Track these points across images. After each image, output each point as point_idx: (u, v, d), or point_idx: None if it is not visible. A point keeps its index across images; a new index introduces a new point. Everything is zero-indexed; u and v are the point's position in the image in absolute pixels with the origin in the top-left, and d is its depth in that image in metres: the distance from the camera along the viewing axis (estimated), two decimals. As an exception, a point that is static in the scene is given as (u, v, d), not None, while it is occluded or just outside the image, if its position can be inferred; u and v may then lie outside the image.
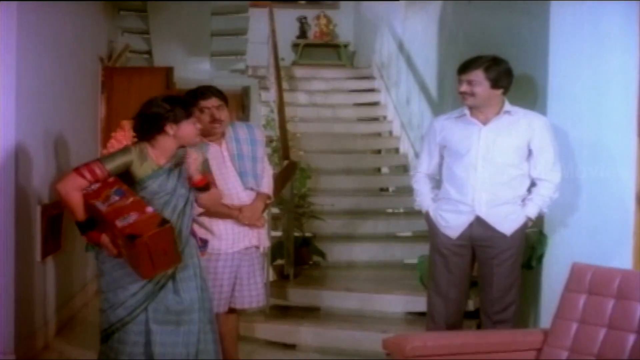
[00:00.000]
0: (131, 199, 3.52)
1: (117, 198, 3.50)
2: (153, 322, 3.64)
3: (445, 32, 6.73)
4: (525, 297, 4.57)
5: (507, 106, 4.15)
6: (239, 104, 10.42)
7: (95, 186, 3.56)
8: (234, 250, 4.20)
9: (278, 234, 6.16)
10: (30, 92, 4.78)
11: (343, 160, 8.49)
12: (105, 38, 7.51)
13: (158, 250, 3.45)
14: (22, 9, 4.55)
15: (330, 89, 10.11)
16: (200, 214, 4.10)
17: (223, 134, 4.22)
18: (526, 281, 4.53)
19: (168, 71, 7.43)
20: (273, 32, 9.34)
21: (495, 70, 4.10)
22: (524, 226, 4.17)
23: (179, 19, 8.55)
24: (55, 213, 5.11)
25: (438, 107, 6.98)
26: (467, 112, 4.19)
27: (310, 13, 11.96)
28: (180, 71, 7.79)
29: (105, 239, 3.57)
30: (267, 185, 4.34)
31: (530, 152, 4.13)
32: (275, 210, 6.14)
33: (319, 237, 6.62)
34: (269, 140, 7.18)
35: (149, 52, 8.79)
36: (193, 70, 8.66)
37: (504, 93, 4.16)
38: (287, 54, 11.04)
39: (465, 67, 4.16)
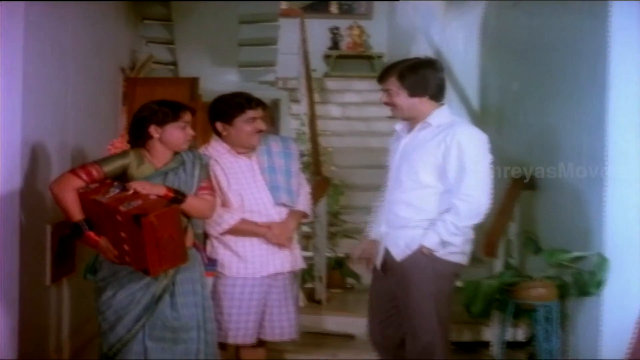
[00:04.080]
0: (132, 192, 3.43)
1: (117, 191, 3.44)
2: (149, 338, 3.54)
3: (488, 37, 6.51)
4: (582, 327, 4.31)
5: (431, 117, 3.66)
6: (269, 117, 10.26)
7: (94, 186, 3.50)
8: (262, 275, 3.91)
9: (309, 254, 5.90)
10: (41, 103, 4.53)
11: (378, 176, 8.11)
12: (128, 48, 7.33)
13: (165, 235, 3.30)
14: (34, 16, 4.28)
15: (364, 102, 9.98)
16: (224, 233, 3.85)
17: (254, 147, 3.97)
18: (584, 309, 4.27)
19: (193, 82, 7.22)
20: (304, 41, 9.28)
21: (411, 77, 3.65)
22: (420, 254, 3.61)
23: (206, 28, 8.30)
24: (67, 232, 4.83)
25: (480, 119, 6.69)
26: (400, 124, 3.85)
27: (342, 23, 11.82)
28: (206, 82, 7.57)
29: (103, 240, 3.47)
30: (303, 202, 4.07)
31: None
32: (305, 228, 5.92)
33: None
34: (300, 155, 6.98)
35: (174, 64, 8.57)
36: (220, 81, 8.41)
37: (435, 100, 3.69)
38: (318, 66, 10.95)
39: (380, 76, 3.77)
